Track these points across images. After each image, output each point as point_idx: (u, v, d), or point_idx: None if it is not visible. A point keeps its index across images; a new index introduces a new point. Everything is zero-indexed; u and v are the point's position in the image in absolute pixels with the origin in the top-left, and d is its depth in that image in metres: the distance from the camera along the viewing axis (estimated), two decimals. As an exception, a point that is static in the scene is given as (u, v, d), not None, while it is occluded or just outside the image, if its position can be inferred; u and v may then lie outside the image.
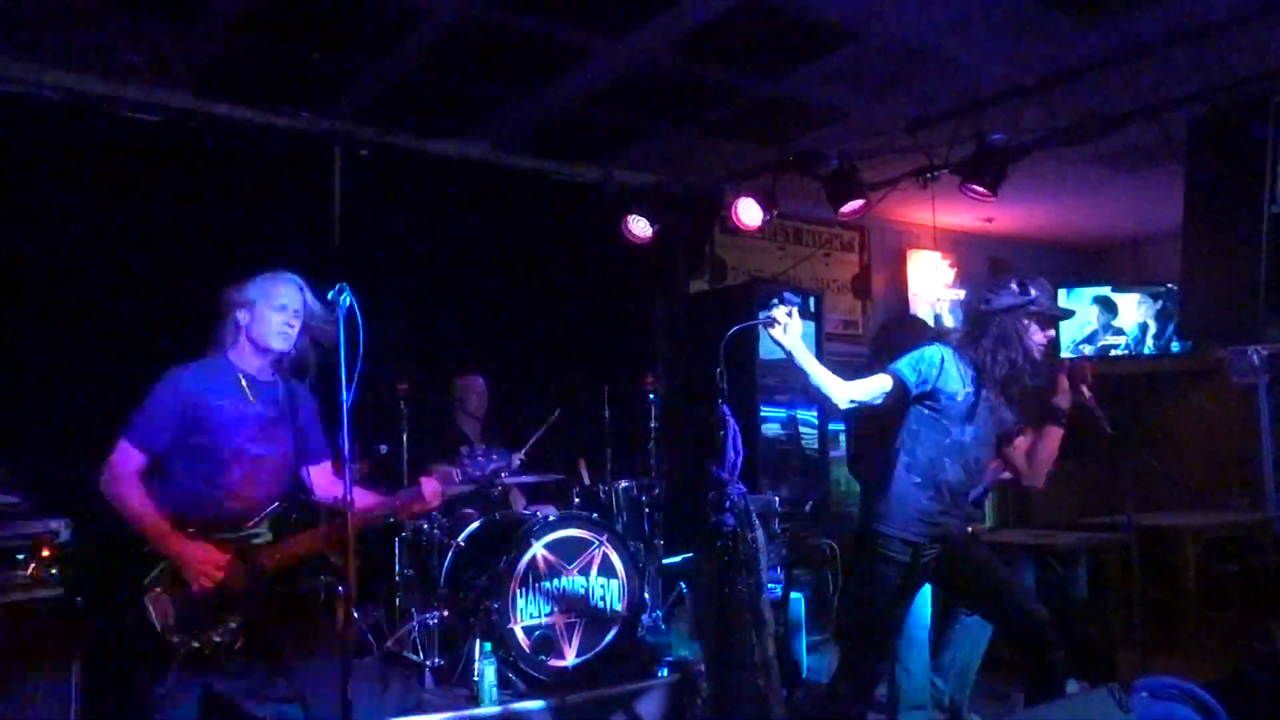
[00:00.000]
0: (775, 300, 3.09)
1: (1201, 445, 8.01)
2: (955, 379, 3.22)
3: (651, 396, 5.54)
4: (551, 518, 4.62)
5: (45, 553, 3.70)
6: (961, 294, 7.92)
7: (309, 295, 3.07)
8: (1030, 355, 3.21)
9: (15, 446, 4.24)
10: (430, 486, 3.22)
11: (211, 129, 5.16)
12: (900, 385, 3.20)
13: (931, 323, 7.19)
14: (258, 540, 2.97)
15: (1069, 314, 3.31)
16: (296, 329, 3.04)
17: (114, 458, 2.87)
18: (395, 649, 4.45)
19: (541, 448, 5.26)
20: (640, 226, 6.19)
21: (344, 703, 2.67)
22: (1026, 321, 3.22)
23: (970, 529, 4.40)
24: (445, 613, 4.44)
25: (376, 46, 4.67)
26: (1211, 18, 4.36)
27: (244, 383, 3.02)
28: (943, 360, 3.22)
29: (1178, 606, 5.88)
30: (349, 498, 2.81)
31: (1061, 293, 8.18)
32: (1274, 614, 5.67)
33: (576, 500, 5.25)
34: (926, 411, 3.24)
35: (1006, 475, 4.40)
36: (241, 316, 3.03)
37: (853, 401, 3.17)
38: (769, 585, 4.73)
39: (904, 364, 3.24)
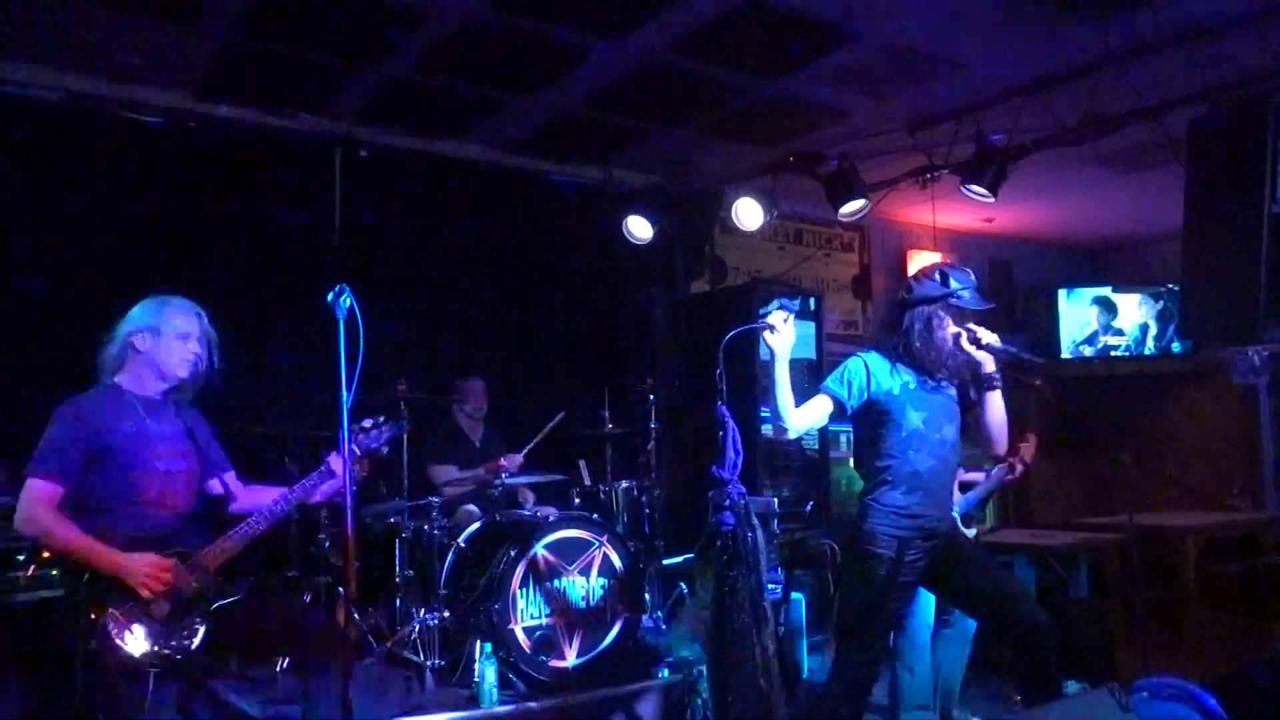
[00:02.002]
0: (775, 303, 3.09)
1: (1201, 445, 8.01)
2: (885, 377, 3.27)
3: (651, 397, 5.54)
4: (552, 518, 4.63)
5: (45, 553, 3.70)
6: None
7: (205, 322, 3.14)
8: (935, 347, 3.24)
9: (17, 447, 4.23)
10: (338, 463, 3.17)
11: (212, 129, 5.16)
12: (837, 402, 3.28)
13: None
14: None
15: (987, 310, 3.31)
16: (196, 356, 3.09)
17: (27, 497, 2.86)
18: (396, 649, 4.45)
19: (541, 447, 5.28)
20: (640, 226, 6.19)
21: (344, 703, 2.67)
22: (943, 314, 3.25)
23: (974, 531, 4.42)
24: (446, 613, 4.45)
25: (377, 47, 4.67)
26: (1211, 18, 4.36)
27: (138, 406, 3.04)
28: (866, 365, 3.28)
29: (1178, 606, 5.88)
30: (347, 498, 2.81)
31: (1061, 293, 8.21)
32: (1274, 614, 5.68)
33: (577, 501, 5.25)
34: (874, 414, 3.28)
35: (1009, 478, 4.42)
36: (140, 342, 3.05)
37: (801, 430, 3.26)
38: (769, 585, 4.74)
39: (832, 381, 3.31)
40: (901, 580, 3.21)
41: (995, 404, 3.28)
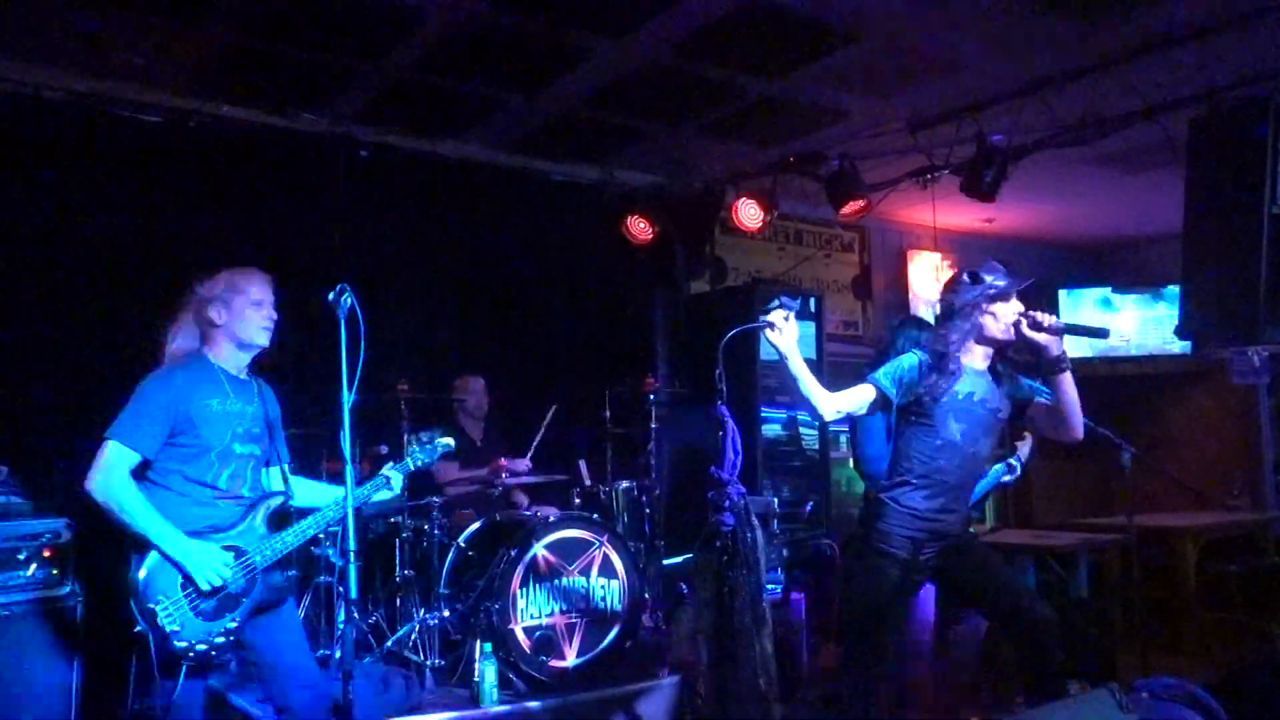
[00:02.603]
0: (775, 302, 3.08)
1: (1201, 445, 8.02)
2: (935, 381, 3.23)
3: (651, 397, 5.54)
4: (552, 518, 4.62)
5: (46, 553, 3.70)
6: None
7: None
8: (976, 335, 3.23)
9: (17, 447, 4.23)
10: (396, 477, 3.22)
11: (211, 129, 5.16)
12: (881, 395, 3.24)
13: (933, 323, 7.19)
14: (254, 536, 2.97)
15: (1026, 284, 3.29)
16: (273, 321, 3.05)
17: (104, 459, 2.81)
18: (396, 649, 4.45)
19: (542, 446, 5.27)
20: (640, 227, 6.19)
21: (345, 703, 2.67)
22: (988, 307, 3.22)
23: (973, 531, 4.43)
24: (446, 613, 4.45)
25: (377, 47, 4.67)
26: (1211, 18, 4.36)
27: (226, 382, 3.00)
28: (921, 365, 3.24)
29: (1178, 606, 5.88)
30: (348, 498, 2.81)
31: (1062, 293, 8.21)
32: (1274, 614, 5.68)
33: (577, 501, 5.25)
34: (913, 416, 3.26)
35: (1007, 480, 4.42)
36: (216, 314, 2.99)
37: (838, 413, 3.22)
38: (769, 585, 4.76)
39: (883, 373, 3.27)
40: (913, 580, 3.22)
41: (1067, 386, 3.17)
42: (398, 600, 4.65)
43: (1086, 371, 8.08)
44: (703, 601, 2.99)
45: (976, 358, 3.26)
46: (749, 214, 5.96)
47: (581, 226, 6.31)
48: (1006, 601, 3.29)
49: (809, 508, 6.13)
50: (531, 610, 4.35)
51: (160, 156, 4.98)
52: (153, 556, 2.78)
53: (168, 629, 2.76)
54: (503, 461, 5.11)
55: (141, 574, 2.76)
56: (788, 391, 3.19)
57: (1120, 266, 8.87)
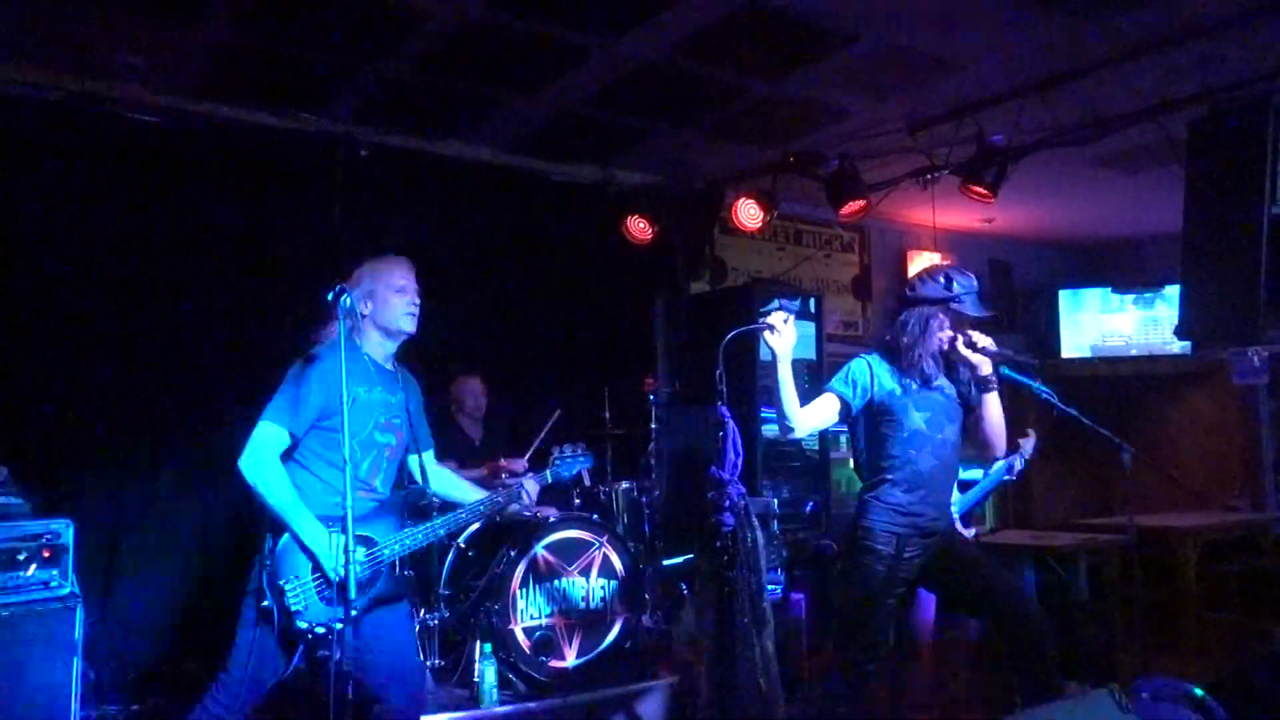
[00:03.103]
0: (775, 303, 3.11)
1: (1201, 445, 8.02)
2: (887, 378, 3.31)
3: (651, 397, 5.54)
4: (552, 519, 4.63)
5: (46, 553, 3.69)
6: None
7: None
8: (929, 349, 3.27)
9: (18, 447, 4.23)
10: (533, 487, 3.36)
11: (211, 129, 5.15)
12: (843, 402, 3.32)
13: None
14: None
15: (987, 318, 3.35)
16: (416, 307, 3.08)
17: (257, 439, 2.86)
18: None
19: (540, 446, 5.28)
20: (640, 227, 6.19)
21: (346, 704, 2.67)
22: (941, 317, 3.29)
23: (974, 531, 4.43)
24: (446, 613, 4.45)
25: (377, 47, 4.67)
26: (1211, 18, 4.36)
27: (374, 371, 3.05)
28: (869, 366, 3.33)
29: (1178, 606, 5.88)
30: (347, 499, 2.81)
31: (1062, 293, 8.21)
32: (1274, 614, 5.68)
33: (577, 501, 5.25)
34: (877, 414, 3.33)
35: (1009, 478, 4.43)
36: (362, 305, 3.02)
37: (807, 430, 3.32)
38: (769, 586, 4.74)
39: (837, 381, 3.36)
40: (900, 577, 3.24)
41: (993, 406, 3.33)
42: (398, 600, 4.65)
43: (1086, 371, 8.15)
44: (703, 601, 3.00)
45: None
46: (749, 214, 5.96)
47: (581, 226, 6.31)
48: (997, 602, 3.31)
49: (809, 508, 6.13)
50: (531, 610, 4.35)
51: (160, 156, 4.98)
52: (288, 536, 2.83)
53: (293, 608, 2.80)
54: (502, 462, 5.11)
55: (277, 552, 2.82)
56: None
57: (1120, 266, 8.86)
